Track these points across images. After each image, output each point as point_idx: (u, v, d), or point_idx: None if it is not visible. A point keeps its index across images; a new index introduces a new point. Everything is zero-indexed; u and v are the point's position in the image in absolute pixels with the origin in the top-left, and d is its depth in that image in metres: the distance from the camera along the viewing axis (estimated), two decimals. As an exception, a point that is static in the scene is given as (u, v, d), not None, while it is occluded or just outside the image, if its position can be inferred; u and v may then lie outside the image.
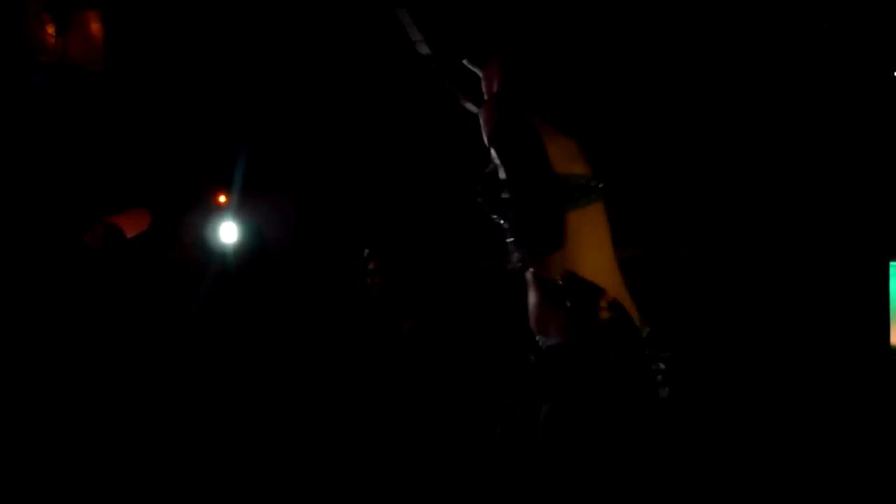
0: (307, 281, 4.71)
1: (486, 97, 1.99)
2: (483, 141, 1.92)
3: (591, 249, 1.83)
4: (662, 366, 1.83)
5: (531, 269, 1.90)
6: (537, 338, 1.93)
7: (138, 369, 3.57)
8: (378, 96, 4.89)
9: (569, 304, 1.78)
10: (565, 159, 1.83)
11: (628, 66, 4.36)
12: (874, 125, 4.36)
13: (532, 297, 1.91)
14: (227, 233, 4.11)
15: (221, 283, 3.93)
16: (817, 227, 4.44)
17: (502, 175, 1.86)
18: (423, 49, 2.01)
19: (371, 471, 3.45)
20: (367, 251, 3.80)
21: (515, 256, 1.91)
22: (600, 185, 1.84)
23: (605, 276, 1.83)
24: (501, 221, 1.91)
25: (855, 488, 3.30)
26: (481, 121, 1.91)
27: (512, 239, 1.90)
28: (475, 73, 2.03)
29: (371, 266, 3.74)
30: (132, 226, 4.04)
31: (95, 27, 4.50)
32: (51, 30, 4.29)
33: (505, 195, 1.87)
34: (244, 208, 4.39)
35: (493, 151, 1.89)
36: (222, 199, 4.45)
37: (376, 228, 4.77)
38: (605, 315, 1.76)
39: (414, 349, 3.76)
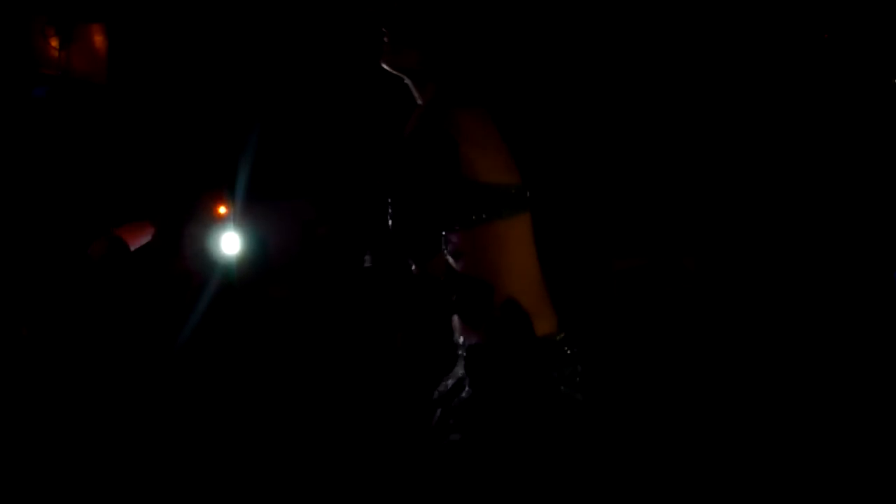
0: (310, 291, 4.71)
1: (419, 101, 2.00)
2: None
3: (512, 258, 1.86)
4: (578, 368, 1.86)
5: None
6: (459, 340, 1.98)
7: (141, 380, 3.57)
8: (382, 105, 4.90)
9: (455, 300, 1.84)
10: (492, 169, 1.84)
11: (628, 67, 4.37)
12: (877, 135, 4.36)
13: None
14: (230, 244, 4.11)
15: (224, 295, 3.94)
16: (821, 238, 4.43)
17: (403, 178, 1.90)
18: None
19: (371, 475, 3.44)
20: (367, 258, 3.81)
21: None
22: (527, 196, 1.87)
23: (523, 284, 1.85)
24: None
25: (865, 492, 3.29)
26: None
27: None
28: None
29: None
30: (135, 237, 4.05)
31: (99, 40, 4.52)
32: (54, 43, 4.31)
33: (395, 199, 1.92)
34: (247, 219, 4.39)
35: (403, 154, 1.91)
36: (224, 210, 4.46)
37: (376, 239, 4.77)
38: (496, 314, 1.80)
39: (406, 361, 3.76)
